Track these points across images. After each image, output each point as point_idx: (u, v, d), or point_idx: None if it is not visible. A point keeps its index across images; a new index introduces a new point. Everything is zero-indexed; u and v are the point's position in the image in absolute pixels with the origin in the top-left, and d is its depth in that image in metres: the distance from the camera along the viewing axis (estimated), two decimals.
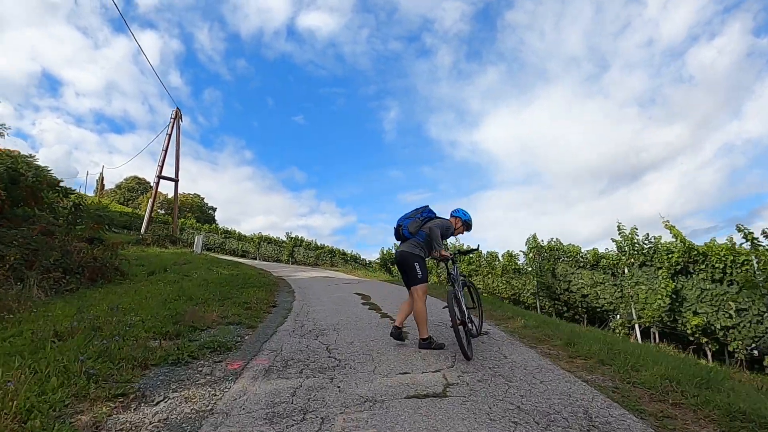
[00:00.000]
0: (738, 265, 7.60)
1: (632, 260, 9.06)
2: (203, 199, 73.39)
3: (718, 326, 7.77)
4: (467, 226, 4.92)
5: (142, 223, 24.88)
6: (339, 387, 3.26)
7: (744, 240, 7.36)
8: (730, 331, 7.68)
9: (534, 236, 13.02)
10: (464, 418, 2.64)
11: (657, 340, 8.39)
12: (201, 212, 69.40)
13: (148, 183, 72.41)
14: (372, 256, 25.42)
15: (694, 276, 8.15)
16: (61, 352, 3.72)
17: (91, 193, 63.77)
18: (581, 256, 11.48)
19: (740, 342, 7.51)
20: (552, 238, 12.67)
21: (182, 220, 39.87)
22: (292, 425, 2.55)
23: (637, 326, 8.82)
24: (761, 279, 6.95)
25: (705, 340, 8.05)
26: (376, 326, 5.66)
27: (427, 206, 4.82)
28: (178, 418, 2.69)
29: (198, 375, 3.61)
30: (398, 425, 2.53)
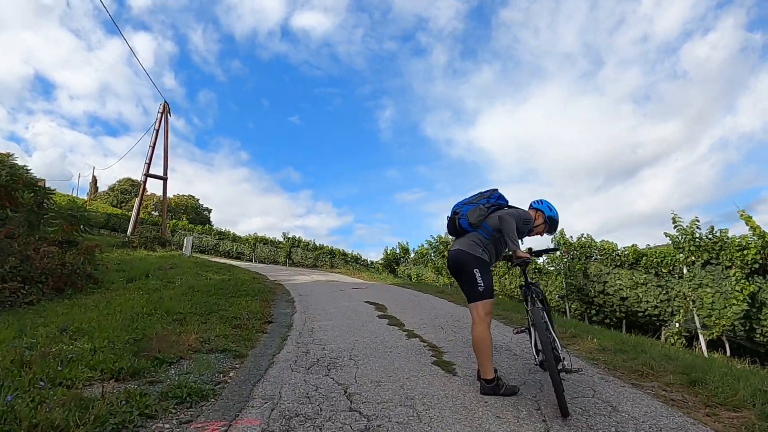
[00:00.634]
0: None
1: (693, 258, 7.75)
2: (198, 200, 72.10)
3: None
4: (551, 225, 3.47)
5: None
6: None
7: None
8: None
9: (561, 232, 11.69)
10: None
11: (729, 353, 7.10)
12: (195, 213, 68.07)
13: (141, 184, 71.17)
14: (371, 255, 24.03)
15: None
16: None
17: (84, 196, 62.52)
18: (618, 254, 10.16)
19: None
20: (582, 234, 11.36)
21: (174, 221, 38.36)
22: None
23: (702, 336, 7.50)
24: None
25: None
26: (405, 352, 4.28)
27: (496, 190, 3.45)
28: None
29: None
30: None
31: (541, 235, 3.57)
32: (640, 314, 9.66)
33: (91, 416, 2.63)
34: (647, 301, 9.48)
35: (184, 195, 70.26)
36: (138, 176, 25.29)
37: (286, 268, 20.19)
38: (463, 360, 3.95)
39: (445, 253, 16.59)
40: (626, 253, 10.01)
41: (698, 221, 7.84)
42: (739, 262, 7.01)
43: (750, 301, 6.78)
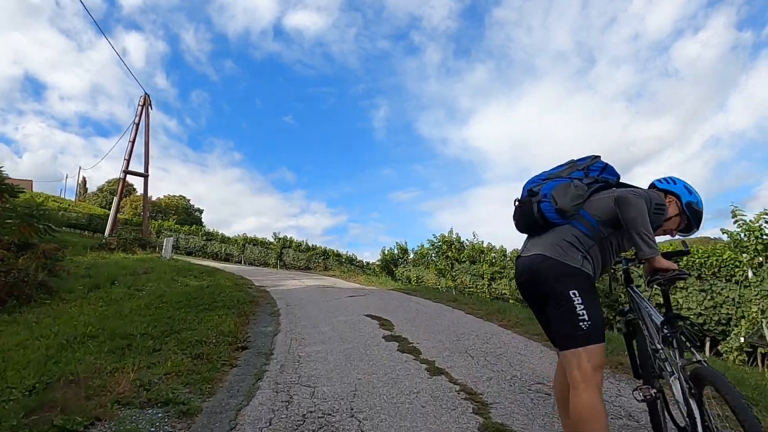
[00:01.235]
0: None
1: (761, 259, 6.52)
2: (189, 200, 70.57)
3: None
4: (692, 218, 2.07)
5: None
6: None
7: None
8: None
9: None
10: None
11: None
12: (187, 214, 66.56)
13: (131, 185, 68.77)
14: (366, 255, 22.66)
15: None
16: None
17: (73, 197, 60.89)
18: None
19: None
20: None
21: (159, 221, 36.73)
22: None
23: None
24: None
25: None
26: (431, 403, 2.94)
27: (599, 157, 2.12)
28: None
29: None
30: None
31: (672, 235, 2.22)
32: None
33: None
34: (689, 308, 8.23)
35: (174, 195, 68.68)
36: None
37: (276, 271, 18.78)
38: (525, 421, 2.62)
39: (449, 254, 15.27)
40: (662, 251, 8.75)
41: (767, 214, 6.57)
42: None
43: None
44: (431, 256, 16.97)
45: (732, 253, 7.30)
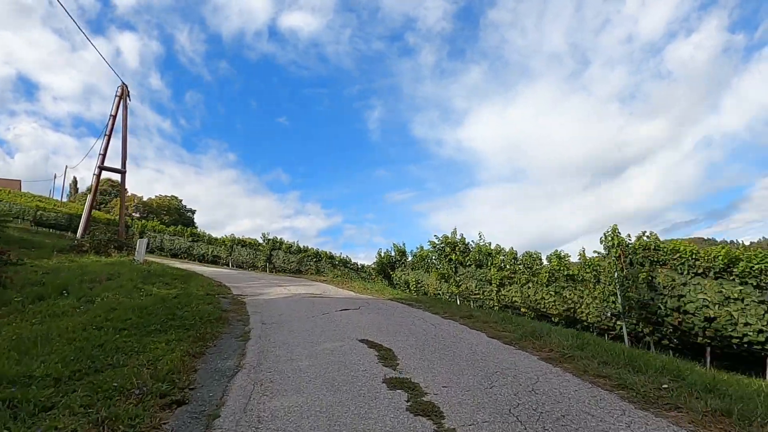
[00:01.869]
0: None
1: None
2: (181, 201, 69.01)
3: None
4: None
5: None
6: None
7: None
8: None
9: (614, 229, 9.03)
10: None
11: None
12: (179, 215, 65.10)
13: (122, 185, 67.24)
14: (361, 257, 21.15)
15: None
16: None
17: (65, 198, 59.29)
18: (698, 258, 7.54)
19: None
20: (644, 233, 8.73)
21: (143, 222, 35.10)
22: None
23: None
24: None
25: None
26: None
27: None
28: None
29: None
30: None
31: None
32: (735, 341, 7.06)
33: None
34: (747, 324, 6.89)
35: (166, 196, 67.16)
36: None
37: (262, 276, 17.28)
38: None
39: (452, 257, 13.84)
40: (713, 257, 7.39)
41: None
42: None
43: None
44: (432, 259, 15.54)
45: None
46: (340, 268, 22.07)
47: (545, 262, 11.71)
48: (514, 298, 12.10)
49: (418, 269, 16.15)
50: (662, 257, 8.12)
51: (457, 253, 13.83)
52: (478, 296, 13.20)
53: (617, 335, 9.69)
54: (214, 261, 27.07)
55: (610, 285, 9.45)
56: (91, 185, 19.29)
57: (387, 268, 17.93)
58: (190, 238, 28.47)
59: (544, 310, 11.41)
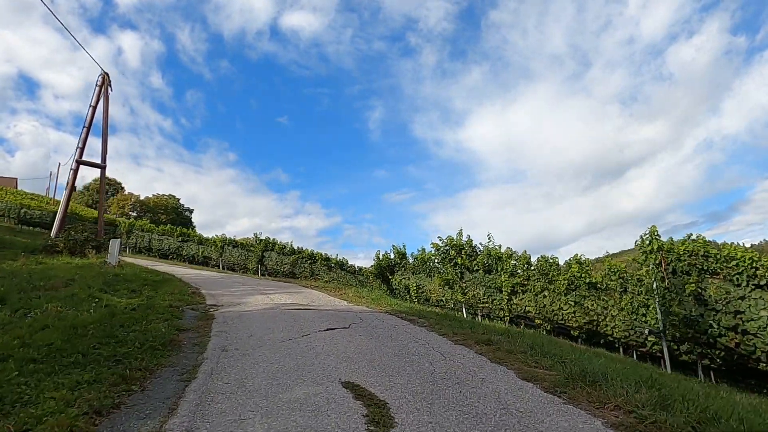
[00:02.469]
0: None
1: None
2: (179, 200, 67.75)
3: None
4: None
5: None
6: None
7: None
8: None
9: (653, 231, 7.65)
10: None
11: None
12: (176, 214, 63.88)
13: (120, 184, 65.56)
14: (360, 258, 19.74)
15: None
16: None
17: (60, 196, 57.94)
18: (757, 267, 6.23)
19: None
20: (689, 235, 7.38)
21: (131, 220, 33.79)
22: None
23: None
24: None
25: None
26: None
27: None
28: None
29: None
30: None
31: None
32: None
33: None
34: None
35: (164, 195, 65.95)
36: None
37: (249, 280, 15.92)
38: None
39: (458, 261, 12.52)
40: None
41: None
42: None
43: None
44: (435, 263, 14.21)
45: None
46: (336, 270, 20.75)
47: (563, 268, 10.40)
48: (527, 308, 10.77)
49: (420, 273, 14.82)
50: (713, 265, 6.79)
51: (464, 256, 12.50)
52: (486, 305, 11.87)
53: (651, 354, 8.38)
54: (205, 262, 25.74)
55: (640, 295, 8.12)
56: (68, 180, 17.93)
57: (386, 271, 16.60)
58: (180, 238, 27.12)
59: (562, 322, 10.09)
